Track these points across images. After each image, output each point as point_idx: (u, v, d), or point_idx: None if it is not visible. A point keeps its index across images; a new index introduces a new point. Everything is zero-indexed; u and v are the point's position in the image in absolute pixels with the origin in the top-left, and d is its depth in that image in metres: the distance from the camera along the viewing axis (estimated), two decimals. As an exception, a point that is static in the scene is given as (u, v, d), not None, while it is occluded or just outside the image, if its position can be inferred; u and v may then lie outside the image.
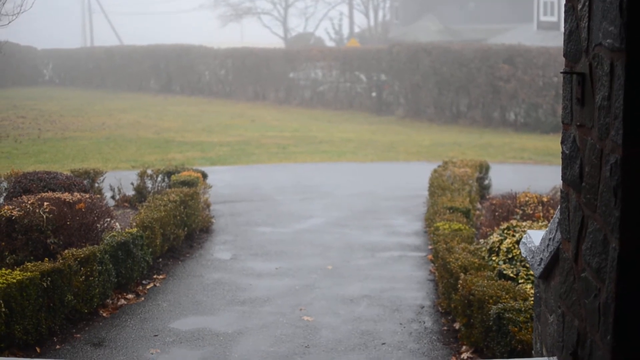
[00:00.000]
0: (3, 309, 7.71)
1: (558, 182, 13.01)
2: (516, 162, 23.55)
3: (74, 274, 8.96)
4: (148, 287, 10.75)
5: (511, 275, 9.03)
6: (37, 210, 9.97)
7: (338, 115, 38.11)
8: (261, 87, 45.27)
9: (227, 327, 9.25)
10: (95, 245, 9.76)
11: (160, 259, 11.96)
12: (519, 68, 32.53)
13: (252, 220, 14.94)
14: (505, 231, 9.94)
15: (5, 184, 13.49)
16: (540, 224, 10.18)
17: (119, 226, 11.76)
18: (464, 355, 8.19)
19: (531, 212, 11.34)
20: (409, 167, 22.49)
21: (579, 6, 3.89)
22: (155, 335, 8.94)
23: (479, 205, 14.87)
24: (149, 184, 14.97)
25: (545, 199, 11.74)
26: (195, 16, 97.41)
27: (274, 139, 28.23)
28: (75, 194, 11.02)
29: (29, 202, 10.22)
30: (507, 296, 7.57)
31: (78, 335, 8.84)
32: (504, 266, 9.21)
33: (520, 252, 9.16)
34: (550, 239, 5.11)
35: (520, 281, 8.88)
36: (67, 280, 8.83)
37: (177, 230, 12.48)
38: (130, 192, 15.20)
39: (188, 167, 16.17)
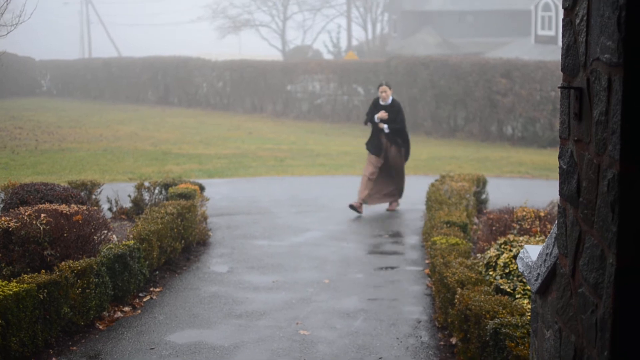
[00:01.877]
0: (-1, 321, 7.70)
1: (555, 196, 12.99)
2: (513, 176, 23.56)
3: (70, 286, 8.95)
4: (145, 299, 10.73)
5: (508, 290, 9.02)
6: (34, 222, 9.96)
7: (335, 128, 38.14)
8: (259, 99, 45.34)
9: (224, 340, 9.24)
10: (92, 258, 9.75)
11: (157, 272, 11.95)
12: (516, 82, 32.60)
13: (249, 233, 14.93)
14: (503, 246, 9.93)
15: (2, 195, 13.49)
16: (537, 238, 10.17)
17: (116, 238, 11.76)
18: (461, 370, 8.18)
19: (528, 226, 11.34)
20: (406, 181, 22.47)
21: (577, 21, 3.89)
22: (152, 349, 8.92)
23: (476, 220, 14.87)
24: (146, 196, 14.98)
25: (542, 214, 11.74)
26: (193, 28, 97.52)
27: (271, 152, 28.24)
28: (73, 205, 11.01)
29: (26, 213, 10.22)
30: (504, 311, 7.56)
31: (74, 348, 8.82)
32: (501, 281, 9.20)
33: (517, 267, 9.15)
34: (547, 254, 5.11)
35: (517, 296, 8.87)
36: (64, 292, 8.81)
37: (174, 242, 12.48)
38: (128, 204, 15.20)
39: (185, 179, 16.19)
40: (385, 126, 16.64)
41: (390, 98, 16.73)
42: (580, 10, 3.84)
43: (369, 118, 16.90)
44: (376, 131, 16.91)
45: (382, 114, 16.53)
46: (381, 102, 16.80)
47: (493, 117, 33.73)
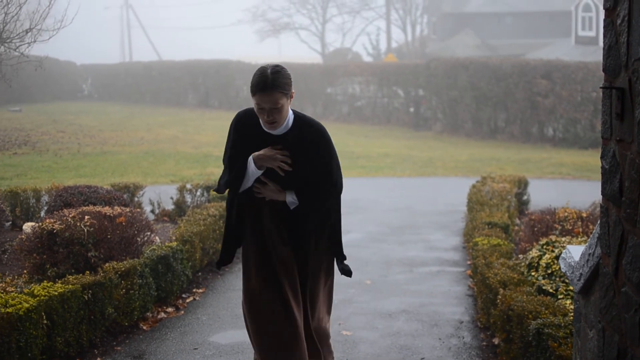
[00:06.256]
0: (45, 321, 7.80)
1: (597, 197, 12.93)
2: (555, 177, 23.45)
3: (114, 287, 9.04)
4: (188, 300, 10.81)
5: (550, 290, 9.00)
6: (78, 224, 10.06)
7: (375, 130, 38.15)
8: (299, 102, 45.40)
9: (266, 340, 9.26)
10: (136, 259, 9.83)
11: (200, 273, 12.03)
12: (557, 83, 32.42)
13: (290, 235, 14.94)
14: (545, 246, 9.91)
15: (46, 198, 13.65)
16: (579, 239, 10.14)
17: (158, 240, 11.84)
18: (503, 371, 8.16)
19: (570, 227, 11.29)
20: (446, 182, 22.46)
21: (618, 21, 3.90)
22: (195, 349, 8.99)
23: (517, 221, 14.83)
24: (188, 198, 15.07)
25: (584, 215, 11.69)
26: (233, 31, 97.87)
27: (311, 154, 28.22)
28: (116, 207, 11.10)
29: (70, 215, 10.32)
30: (546, 311, 7.55)
31: (119, 348, 8.91)
32: (543, 281, 9.18)
33: (559, 268, 9.13)
34: (590, 254, 5.11)
35: (559, 297, 8.85)
36: (108, 293, 8.91)
37: (217, 244, 12.55)
38: (170, 207, 15.30)
39: (227, 181, 16.23)
40: (289, 198, 6.56)
41: (291, 117, 6.33)
42: (621, 11, 3.85)
43: (235, 175, 6.31)
44: (256, 204, 6.50)
45: (274, 156, 6.35)
46: (266, 130, 6.26)
47: (534, 119, 33.57)
